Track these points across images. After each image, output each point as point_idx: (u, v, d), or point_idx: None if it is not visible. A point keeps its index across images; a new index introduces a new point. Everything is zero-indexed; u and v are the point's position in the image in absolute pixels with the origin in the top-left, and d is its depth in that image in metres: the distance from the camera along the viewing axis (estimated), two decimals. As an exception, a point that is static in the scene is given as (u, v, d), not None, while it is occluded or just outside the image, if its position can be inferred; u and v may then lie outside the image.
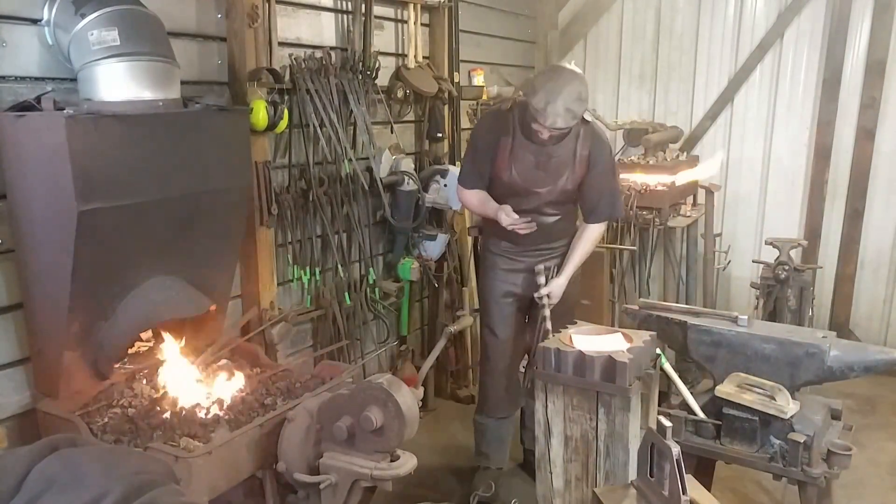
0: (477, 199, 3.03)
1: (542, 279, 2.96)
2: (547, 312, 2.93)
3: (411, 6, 3.76)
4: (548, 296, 2.95)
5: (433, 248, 3.94)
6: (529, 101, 2.63)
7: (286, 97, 3.08)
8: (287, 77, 3.05)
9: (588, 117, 2.79)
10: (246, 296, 3.04)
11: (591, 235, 3.03)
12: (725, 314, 2.71)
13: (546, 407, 2.30)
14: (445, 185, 3.83)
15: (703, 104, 5.06)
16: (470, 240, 4.31)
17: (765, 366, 2.52)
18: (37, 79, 2.22)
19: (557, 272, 3.01)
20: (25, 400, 2.32)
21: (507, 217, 2.83)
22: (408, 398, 2.02)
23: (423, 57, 3.92)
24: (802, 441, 2.30)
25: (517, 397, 3.22)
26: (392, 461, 2.06)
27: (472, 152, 3.02)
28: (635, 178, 4.32)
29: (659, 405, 2.50)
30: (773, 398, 2.37)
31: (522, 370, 3.28)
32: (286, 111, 2.94)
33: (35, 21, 2.19)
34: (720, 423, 2.49)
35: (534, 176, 2.87)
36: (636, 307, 2.90)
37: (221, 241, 2.57)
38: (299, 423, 2.14)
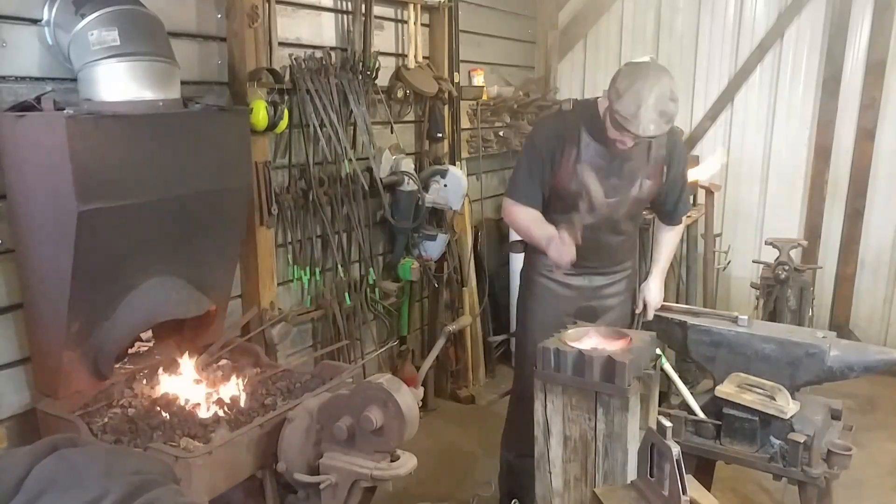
0: (528, 219, 2.60)
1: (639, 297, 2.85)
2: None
3: (411, 6, 3.76)
4: (644, 306, 2.82)
5: (433, 248, 3.94)
6: (614, 107, 2.32)
7: (286, 97, 3.08)
8: (287, 77, 3.05)
9: None
10: (246, 296, 3.03)
11: (675, 238, 2.90)
12: (725, 314, 2.71)
13: (545, 407, 2.30)
14: (445, 186, 3.83)
15: (703, 104, 5.07)
16: (470, 239, 4.31)
17: (765, 366, 2.52)
18: (37, 79, 2.22)
19: (647, 279, 2.87)
20: (25, 400, 2.32)
21: (560, 248, 2.40)
22: (408, 398, 2.02)
23: (423, 57, 3.92)
24: (802, 441, 2.30)
25: None
26: (392, 461, 2.06)
27: (530, 161, 2.61)
28: (635, 178, 4.31)
29: (659, 405, 2.50)
30: (773, 398, 2.37)
31: None
32: (286, 111, 2.94)
33: (35, 21, 2.19)
34: (720, 423, 2.49)
35: (605, 184, 2.54)
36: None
37: (221, 241, 2.57)
38: (299, 423, 2.14)
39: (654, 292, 2.84)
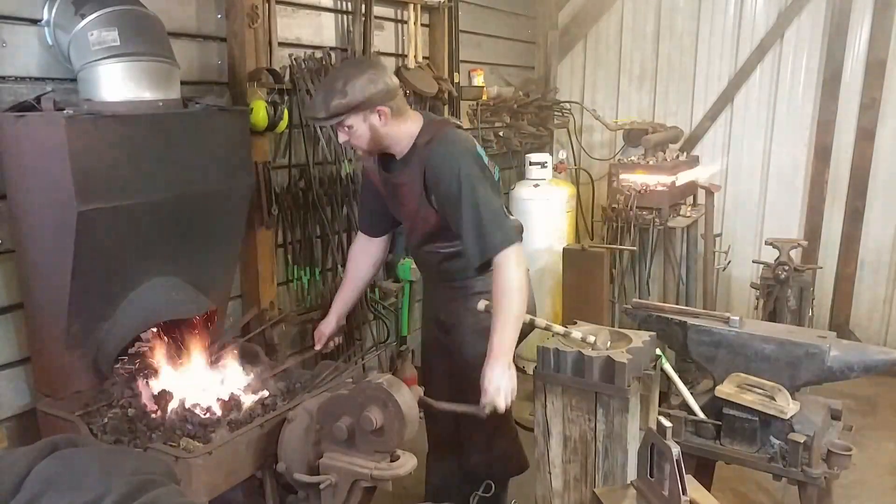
0: None
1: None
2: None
3: (411, 6, 3.76)
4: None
5: (433, 248, 3.93)
6: None
7: (286, 97, 3.08)
8: (287, 77, 3.05)
9: (446, 129, 2.23)
10: (246, 296, 3.04)
11: (499, 285, 2.15)
12: (717, 315, 2.70)
13: (545, 407, 2.30)
14: (445, 186, 3.81)
15: (703, 104, 5.07)
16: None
17: (765, 366, 2.51)
18: (37, 79, 2.22)
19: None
20: (25, 400, 2.32)
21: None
22: (408, 398, 2.02)
23: (423, 57, 3.92)
24: (802, 441, 2.30)
25: None
26: (392, 461, 2.05)
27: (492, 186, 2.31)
28: (635, 178, 4.32)
29: (659, 405, 2.50)
30: (772, 398, 2.37)
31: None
32: (286, 111, 2.94)
33: (35, 21, 2.19)
34: (720, 423, 2.49)
35: (391, 205, 2.44)
36: (629, 307, 2.89)
37: (221, 242, 2.57)
38: (299, 423, 2.14)
39: (487, 376, 2.13)
